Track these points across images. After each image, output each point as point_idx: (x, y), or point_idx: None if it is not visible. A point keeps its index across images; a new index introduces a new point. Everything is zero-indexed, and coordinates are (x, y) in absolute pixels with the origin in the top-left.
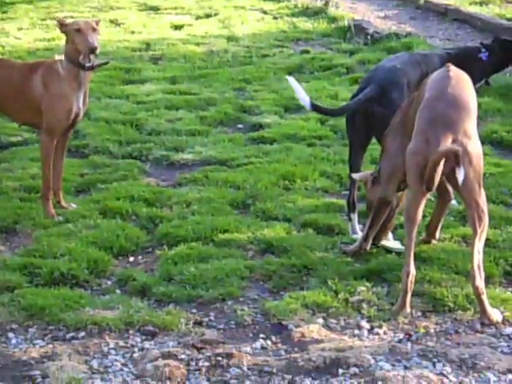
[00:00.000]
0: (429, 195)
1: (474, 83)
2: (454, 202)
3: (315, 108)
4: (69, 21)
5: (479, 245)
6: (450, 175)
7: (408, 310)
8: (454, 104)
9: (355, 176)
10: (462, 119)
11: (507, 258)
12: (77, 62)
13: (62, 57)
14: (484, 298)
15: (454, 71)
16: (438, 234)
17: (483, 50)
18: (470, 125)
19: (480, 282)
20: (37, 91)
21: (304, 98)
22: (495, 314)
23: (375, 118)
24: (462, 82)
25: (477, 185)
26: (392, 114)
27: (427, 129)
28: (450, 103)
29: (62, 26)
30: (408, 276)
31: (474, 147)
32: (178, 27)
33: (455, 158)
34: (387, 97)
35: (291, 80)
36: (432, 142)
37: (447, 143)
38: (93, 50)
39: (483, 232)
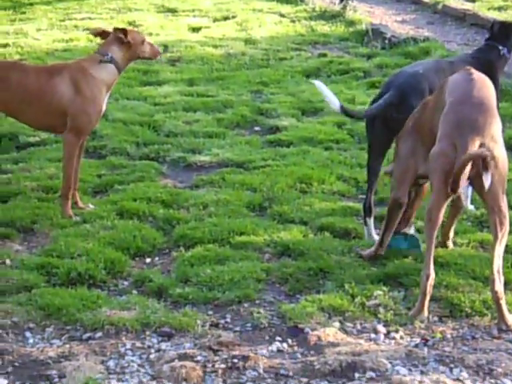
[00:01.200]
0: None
1: (499, 80)
2: (471, 207)
3: (344, 111)
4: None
5: (500, 249)
6: (474, 178)
7: (426, 314)
8: (480, 108)
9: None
10: (489, 123)
11: None
12: (121, 67)
13: (102, 57)
14: (503, 302)
15: (477, 74)
16: (451, 235)
17: (500, 46)
18: (497, 129)
19: (499, 286)
20: (62, 95)
21: (334, 101)
22: None
23: (394, 124)
24: (485, 85)
25: (501, 189)
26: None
27: (453, 132)
28: (476, 107)
29: (126, 35)
30: (428, 279)
31: (501, 152)
32: (195, 29)
33: (483, 163)
34: (407, 103)
35: (319, 84)
36: (459, 146)
37: (474, 147)
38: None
39: (504, 237)
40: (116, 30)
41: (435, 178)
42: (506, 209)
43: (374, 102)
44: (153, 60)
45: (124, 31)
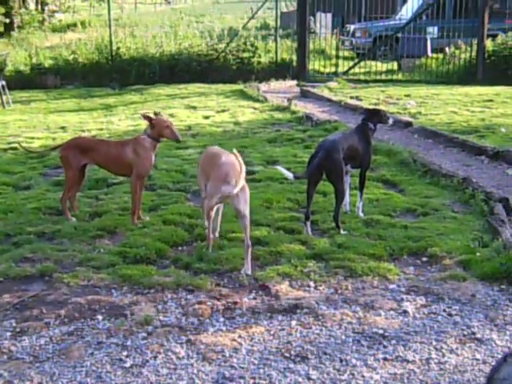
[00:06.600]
0: None
1: (371, 141)
2: (362, 214)
3: (296, 177)
4: (156, 117)
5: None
6: None
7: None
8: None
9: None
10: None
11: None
12: (157, 139)
13: (145, 135)
14: None
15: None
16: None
17: (368, 123)
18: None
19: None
20: (129, 157)
21: (288, 175)
22: None
23: (326, 170)
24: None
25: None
26: (336, 167)
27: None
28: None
29: (152, 120)
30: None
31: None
32: (206, 117)
33: None
34: (331, 157)
35: (278, 167)
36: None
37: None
38: (178, 141)
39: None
40: (145, 117)
41: None
42: None
43: (311, 158)
44: (175, 141)
45: (149, 119)
